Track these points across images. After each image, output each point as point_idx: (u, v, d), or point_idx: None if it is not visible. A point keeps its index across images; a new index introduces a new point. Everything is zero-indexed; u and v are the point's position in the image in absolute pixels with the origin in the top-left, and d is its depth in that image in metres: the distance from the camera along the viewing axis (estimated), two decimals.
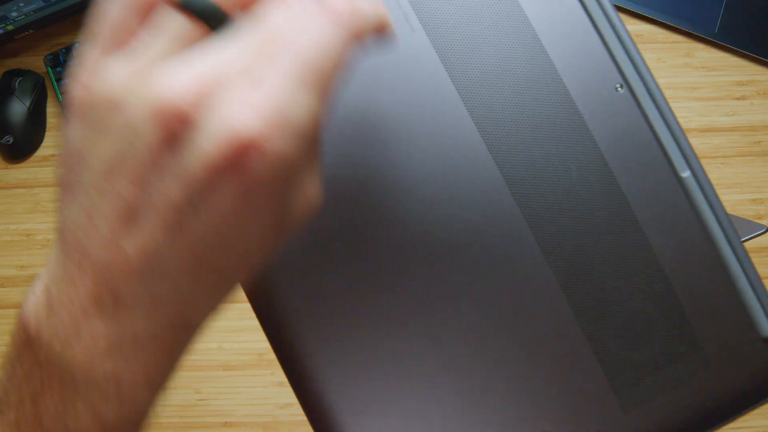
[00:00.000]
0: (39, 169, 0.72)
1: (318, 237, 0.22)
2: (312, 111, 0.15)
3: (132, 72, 0.15)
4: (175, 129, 0.15)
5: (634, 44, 0.22)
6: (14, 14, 0.68)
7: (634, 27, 0.73)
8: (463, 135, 0.22)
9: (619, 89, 0.22)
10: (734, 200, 0.69)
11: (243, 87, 0.15)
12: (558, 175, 0.22)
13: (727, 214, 0.22)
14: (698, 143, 0.70)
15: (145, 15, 0.16)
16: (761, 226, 0.48)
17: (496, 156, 0.22)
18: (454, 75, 0.22)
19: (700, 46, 0.72)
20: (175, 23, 0.16)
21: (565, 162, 0.22)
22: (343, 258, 0.22)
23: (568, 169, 0.22)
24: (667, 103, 0.22)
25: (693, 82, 0.71)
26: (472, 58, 0.22)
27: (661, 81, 0.76)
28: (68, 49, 0.71)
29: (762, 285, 0.22)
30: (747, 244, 0.79)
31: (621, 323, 0.21)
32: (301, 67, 0.15)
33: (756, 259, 0.80)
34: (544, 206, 0.22)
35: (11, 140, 0.70)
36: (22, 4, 0.67)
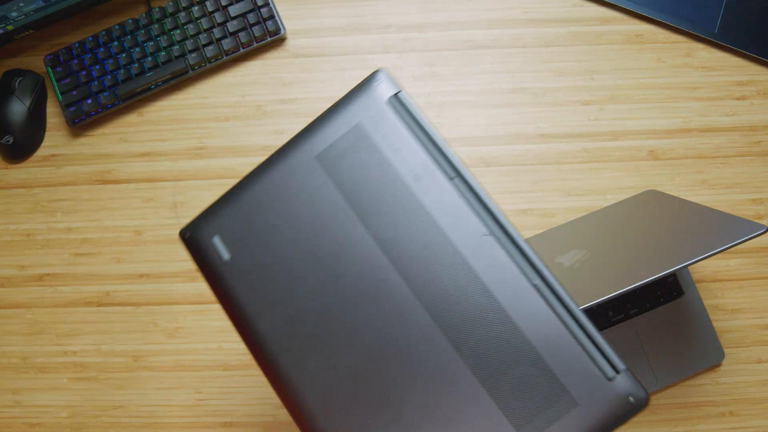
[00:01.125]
0: (39, 169, 0.72)
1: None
2: None
3: None
4: None
5: (493, 201, 0.34)
6: (14, 14, 0.68)
7: (634, 27, 0.73)
8: (402, 298, 0.36)
9: (486, 236, 0.35)
10: (734, 200, 0.69)
11: None
12: (460, 299, 0.35)
13: (572, 300, 0.34)
14: (698, 143, 0.70)
15: None
16: (761, 226, 0.48)
17: (415, 290, 0.35)
18: (401, 271, 0.36)
19: (700, 46, 0.72)
20: None
21: (463, 291, 0.35)
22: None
23: (466, 294, 0.35)
24: (519, 235, 0.35)
25: (693, 82, 0.72)
26: (418, 263, 0.36)
27: (660, 81, 0.76)
28: (68, 49, 0.71)
29: (603, 341, 0.34)
30: (747, 244, 0.79)
31: (514, 384, 0.34)
32: None
33: (756, 259, 0.79)
34: (453, 318, 0.35)
35: (11, 140, 0.70)
36: (22, 4, 0.67)
